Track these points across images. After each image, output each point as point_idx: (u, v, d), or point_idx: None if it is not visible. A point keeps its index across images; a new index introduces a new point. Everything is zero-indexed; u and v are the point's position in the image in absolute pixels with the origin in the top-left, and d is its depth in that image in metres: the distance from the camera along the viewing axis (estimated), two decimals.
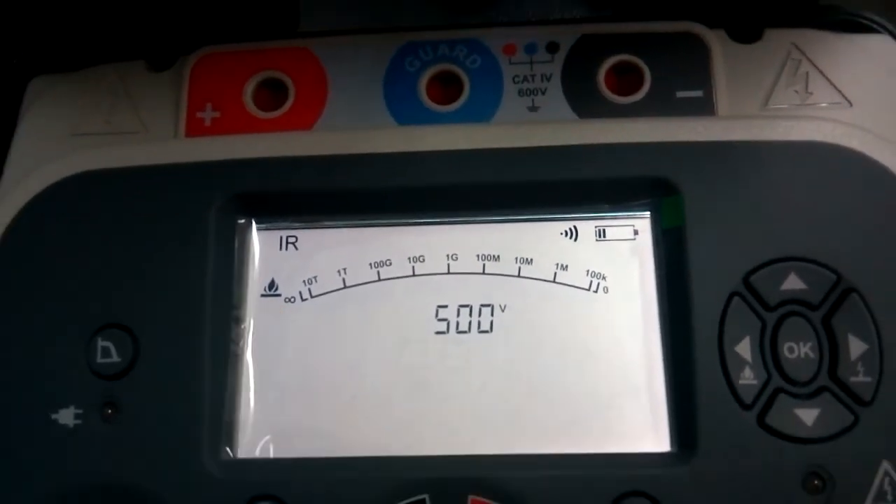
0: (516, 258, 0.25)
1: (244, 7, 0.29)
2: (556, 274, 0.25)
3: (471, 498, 0.22)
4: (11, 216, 0.25)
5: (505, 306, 0.25)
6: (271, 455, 0.24)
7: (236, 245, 0.25)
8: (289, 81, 0.27)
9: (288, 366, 0.25)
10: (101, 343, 0.24)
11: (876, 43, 0.27)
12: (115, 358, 0.24)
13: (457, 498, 0.22)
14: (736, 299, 0.23)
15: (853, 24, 0.28)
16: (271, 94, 0.27)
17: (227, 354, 0.24)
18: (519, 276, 0.25)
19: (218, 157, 0.25)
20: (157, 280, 0.24)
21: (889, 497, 0.22)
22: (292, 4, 0.30)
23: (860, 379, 0.22)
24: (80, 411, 0.24)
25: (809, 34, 0.27)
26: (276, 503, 0.22)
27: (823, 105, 0.26)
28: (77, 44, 0.29)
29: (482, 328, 0.25)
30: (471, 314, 0.25)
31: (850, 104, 0.26)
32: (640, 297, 0.25)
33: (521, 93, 0.26)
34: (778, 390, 0.23)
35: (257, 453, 0.24)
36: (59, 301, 0.24)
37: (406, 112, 0.26)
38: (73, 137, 0.27)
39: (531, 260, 0.25)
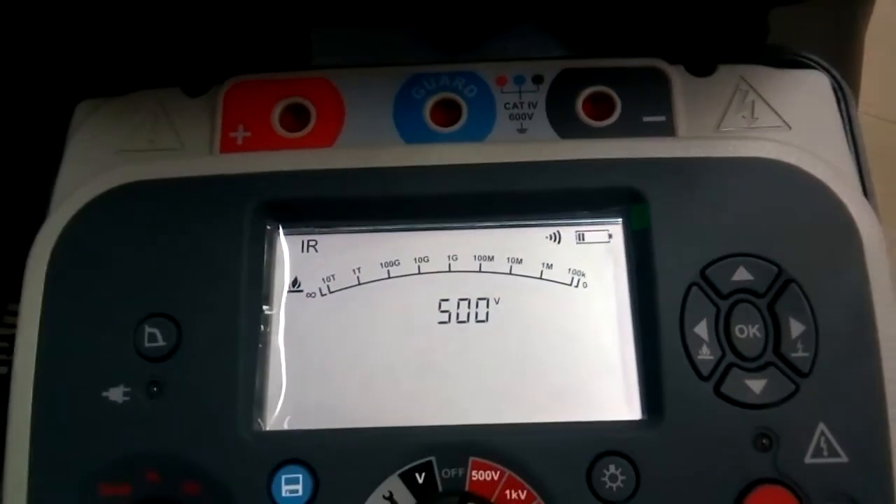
0: (508, 258, 0.29)
1: (263, 47, 0.33)
2: (542, 272, 0.28)
3: (471, 459, 0.26)
4: (67, 220, 0.28)
5: (499, 299, 0.28)
6: (297, 427, 0.27)
7: (265, 247, 0.28)
8: (310, 106, 0.30)
9: (311, 351, 0.28)
10: (147, 330, 0.27)
11: (811, 77, 0.31)
12: (160, 342, 0.27)
13: (459, 458, 0.25)
14: (694, 289, 0.27)
15: (792, 62, 0.32)
16: (295, 117, 0.30)
17: (258, 341, 0.27)
18: (510, 273, 0.28)
19: (250, 171, 0.28)
20: (198, 276, 0.27)
21: (825, 453, 0.25)
22: (305, 46, 0.34)
23: (800, 354, 0.26)
24: (128, 389, 0.26)
25: (755, 69, 0.30)
26: (301, 466, 0.25)
27: (767, 128, 0.29)
28: (120, 72, 0.32)
29: (479, 318, 0.28)
30: (469, 306, 0.28)
31: (790, 127, 0.29)
32: (614, 290, 0.28)
33: (511, 117, 0.30)
34: (731, 365, 0.26)
35: (285, 426, 0.27)
36: (110, 294, 0.27)
37: (413, 132, 0.30)
38: (119, 154, 0.30)
39: (521, 260, 0.29)
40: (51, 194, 0.30)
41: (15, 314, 0.46)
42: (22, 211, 0.36)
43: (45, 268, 0.28)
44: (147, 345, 0.27)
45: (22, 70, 0.34)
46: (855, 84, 0.49)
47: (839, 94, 0.31)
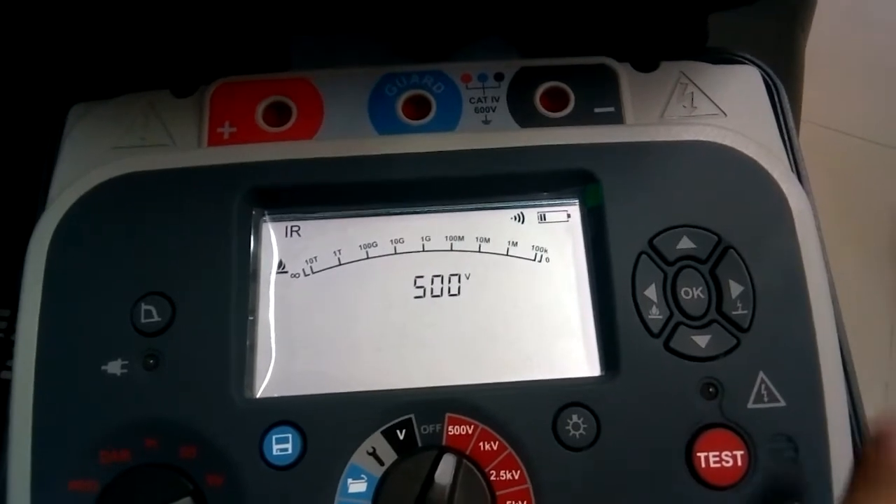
0: (477, 238, 0.31)
1: (246, 51, 0.35)
2: (508, 249, 0.31)
3: (447, 415, 0.28)
4: (66, 209, 0.30)
5: (469, 275, 0.31)
6: (286, 393, 0.29)
7: (252, 232, 0.31)
8: (291, 104, 0.32)
9: (297, 325, 0.30)
10: (144, 307, 0.29)
11: (744, 71, 0.34)
12: (155, 318, 0.29)
13: (437, 415, 0.28)
14: (643, 257, 0.29)
15: (728, 60, 0.36)
16: (277, 114, 0.32)
17: (247, 317, 0.29)
18: (479, 251, 0.31)
19: (236, 161, 0.31)
20: (190, 257, 0.29)
21: (765, 398, 0.28)
22: (285, 52, 0.36)
23: (739, 312, 0.29)
24: (126, 362, 0.28)
25: (694, 65, 0.34)
26: (290, 427, 0.27)
27: (705, 115, 0.32)
28: (111, 76, 0.34)
29: (452, 292, 0.30)
30: (442, 282, 0.30)
31: (725, 114, 0.33)
32: (573, 262, 0.31)
33: (476, 110, 0.33)
34: (678, 323, 0.29)
35: (275, 392, 0.29)
36: (107, 275, 0.29)
37: (386, 126, 0.32)
38: (113, 150, 0.32)
39: (489, 239, 0.31)
40: (40, 197, 0.32)
41: (3, 319, 0.47)
42: (6, 221, 0.38)
43: (45, 253, 0.29)
44: (143, 321, 0.29)
45: (13, 76, 0.36)
46: (797, 91, 0.53)
47: (770, 86, 0.35)
